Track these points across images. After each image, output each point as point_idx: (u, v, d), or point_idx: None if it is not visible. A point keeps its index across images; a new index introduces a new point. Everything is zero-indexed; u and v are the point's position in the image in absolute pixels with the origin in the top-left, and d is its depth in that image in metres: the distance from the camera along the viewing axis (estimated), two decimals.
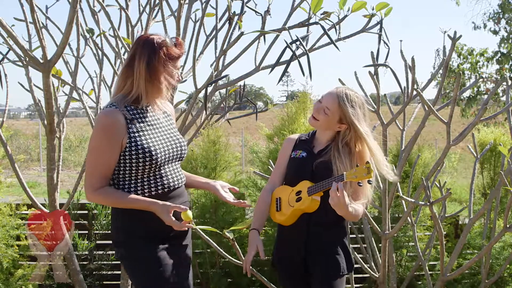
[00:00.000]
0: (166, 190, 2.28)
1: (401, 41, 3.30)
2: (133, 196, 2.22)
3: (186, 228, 2.25)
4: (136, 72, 2.20)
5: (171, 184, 2.30)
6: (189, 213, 2.22)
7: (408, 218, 3.37)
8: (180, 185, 2.35)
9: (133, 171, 2.23)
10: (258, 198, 2.61)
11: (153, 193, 2.26)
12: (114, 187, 2.27)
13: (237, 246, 3.01)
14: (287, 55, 3.00)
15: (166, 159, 2.28)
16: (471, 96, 12.59)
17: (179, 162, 2.40)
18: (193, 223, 2.26)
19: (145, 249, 2.26)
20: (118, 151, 2.20)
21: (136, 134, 2.22)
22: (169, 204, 2.19)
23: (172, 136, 2.35)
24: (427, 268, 3.48)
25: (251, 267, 3.25)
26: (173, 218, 2.18)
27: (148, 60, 2.19)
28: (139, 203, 2.21)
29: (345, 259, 2.47)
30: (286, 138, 2.67)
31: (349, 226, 3.03)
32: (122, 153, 2.20)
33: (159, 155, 2.23)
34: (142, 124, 2.26)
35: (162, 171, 2.28)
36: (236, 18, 3.19)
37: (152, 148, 2.22)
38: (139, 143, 2.21)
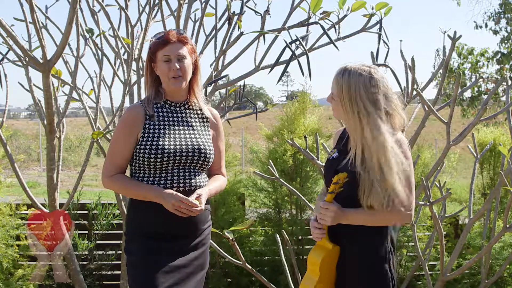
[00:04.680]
0: (181, 189, 2.28)
1: (401, 41, 3.30)
2: (140, 182, 2.29)
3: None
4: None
5: (187, 183, 2.29)
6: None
7: None
8: (197, 187, 2.33)
9: (146, 166, 2.28)
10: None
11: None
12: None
13: (237, 246, 3.01)
14: (287, 55, 3.00)
15: (177, 159, 2.28)
16: (473, 96, 12.59)
17: (202, 168, 2.37)
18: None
19: (141, 245, 2.28)
20: (132, 143, 2.29)
21: (151, 130, 2.29)
22: (175, 196, 2.19)
23: (193, 140, 2.34)
24: (427, 268, 3.48)
25: (251, 267, 3.26)
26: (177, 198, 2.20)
27: (146, 64, 2.38)
28: (146, 190, 2.25)
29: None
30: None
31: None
32: (136, 147, 2.29)
33: (166, 151, 2.25)
34: (161, 121, 2.32)
35: (179, 170, 2.29)
36: (235, 18, 3.19)
37: (160, 144, 2.26)
38: (150, 138, 2.27)
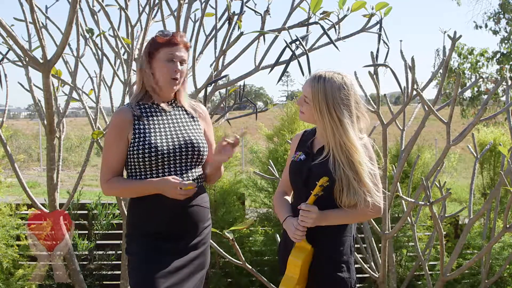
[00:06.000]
0: None
1: (401, 41, 3.30)
2: (138, 180, 2.30)
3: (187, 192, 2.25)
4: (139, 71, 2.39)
5: (185, 180, 2.30)
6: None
7: (408, 218, 3.37)
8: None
9: (141, 166, 2.29)
10: (274, 202, 2.48)
11: None
12: None
13: (237, 246, 3.01)
14: (287, 55, 3.00)
15: (171, 156, 2.29)
16: (472, 96, 12.59)
17: (197, 163, 2.39)
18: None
19: (142, 246, 2.29)
20: (124, 146, 2.30)
21: (141, 130, 2.30)
22: (173, 181, 2.23)
23: (184, 136, 2.36)
24: (427, 268, 3.48)
25: (251, 267, 3.26)
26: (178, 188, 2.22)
27: (144, 57, 2.35)
28: (144, 184, 2.27)
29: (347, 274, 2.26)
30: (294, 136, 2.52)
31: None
32: (129, 149, 2.29)
33: (159, 150, 2.26)
34: (151, 121, 2.32)
35: (176, 167, 2.31)
36: (235, 18, 3.19)
37: (153, 143, 2.27)
38: (141, 138, 2.28)
